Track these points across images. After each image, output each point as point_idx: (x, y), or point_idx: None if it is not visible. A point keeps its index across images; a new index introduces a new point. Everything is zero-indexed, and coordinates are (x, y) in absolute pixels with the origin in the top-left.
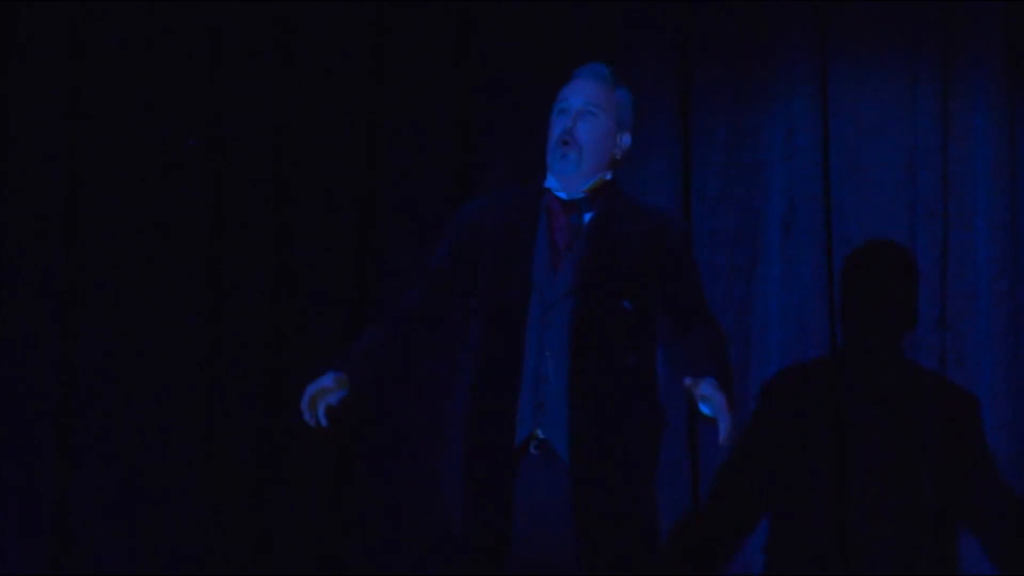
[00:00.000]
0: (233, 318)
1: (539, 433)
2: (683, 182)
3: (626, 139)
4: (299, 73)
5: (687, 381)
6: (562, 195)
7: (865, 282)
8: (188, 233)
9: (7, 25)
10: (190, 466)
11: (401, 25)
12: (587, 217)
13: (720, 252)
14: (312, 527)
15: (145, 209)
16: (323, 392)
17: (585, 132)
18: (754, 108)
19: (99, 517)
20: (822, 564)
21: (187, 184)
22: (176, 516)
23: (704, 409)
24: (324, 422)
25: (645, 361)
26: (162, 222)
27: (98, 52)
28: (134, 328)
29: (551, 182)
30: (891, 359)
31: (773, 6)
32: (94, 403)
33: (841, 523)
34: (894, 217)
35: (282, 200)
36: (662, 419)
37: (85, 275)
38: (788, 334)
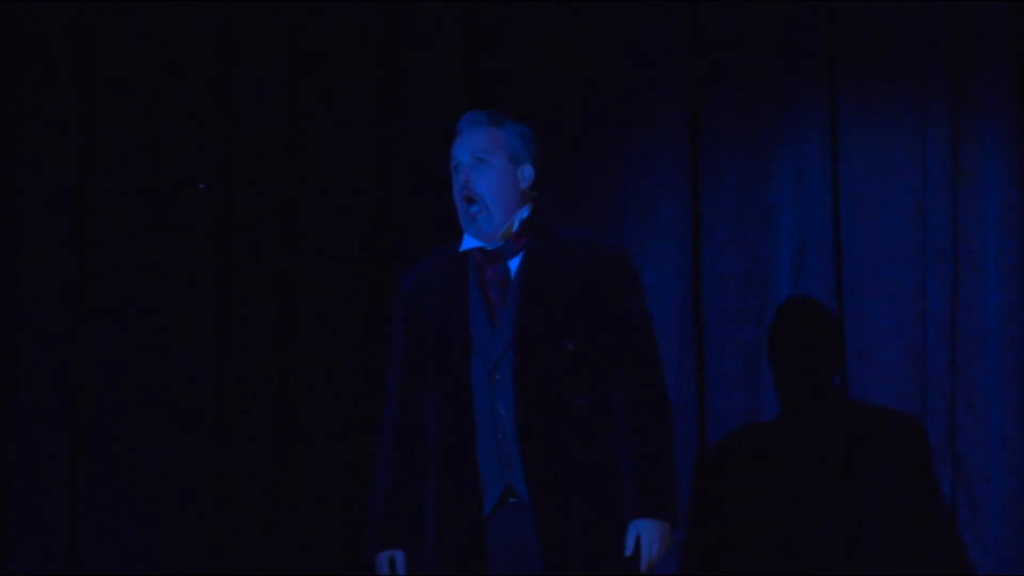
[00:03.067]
0: (242, 332)
1: (513, 487)
2: (692, 225)
3: (528, 171)
4: (309, 96)
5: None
6: (486, 246)
7: (873, 325)
8: (195, 251)
9: (19, 53)
10: (200, 475)
11: (411, 56)
12: (514, 264)
13: (729, 295)
14: (323, 536)
15: (153, 223)
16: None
17: (481, 182)
18: (764, 151)
19: (108, 525)
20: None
21: (195, 213)
22: (185, 526)
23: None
24: None
25: (598, 399)
26: (171, 237)
27: (109, 72)
28: (143, 336)
29: (469, 241)
30: (901, 403)
31: (782, 50)
32: (103, 411)
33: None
34: (904, 260)
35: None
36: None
37: (94, 284)
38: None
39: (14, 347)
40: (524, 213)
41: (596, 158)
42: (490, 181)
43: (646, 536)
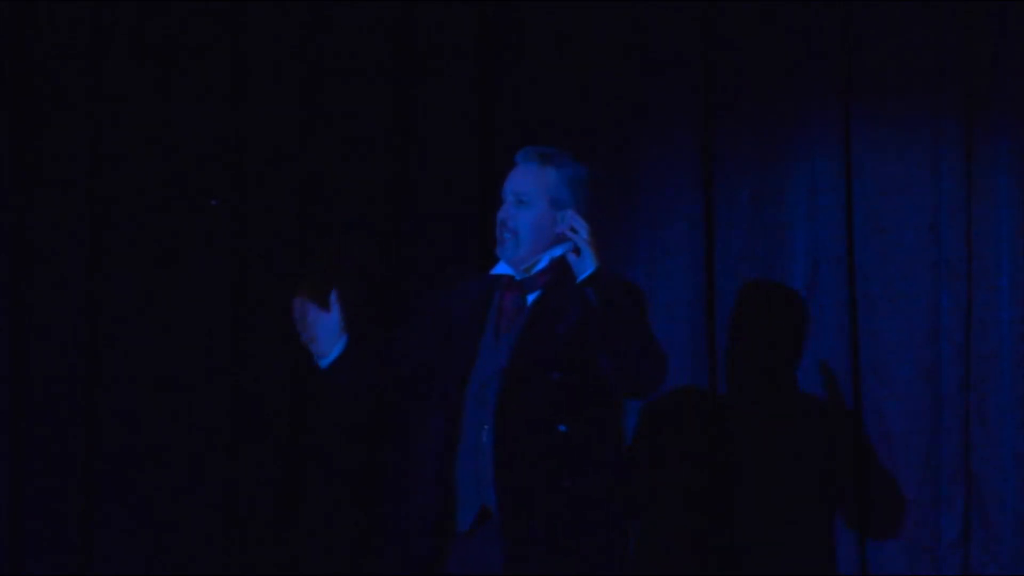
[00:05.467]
0: (257, 333)
1: (488, 507)
2: (706, 242)
3: (567, 215)
4: (324, 119)
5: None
6: (514, 275)
7: (887, 343)
8: (211, 260)
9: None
10: (213, 478)
11: (423, 77)
12: (531, 297)
13: None
14: (336, 542)
15: (168, 234)
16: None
17: (518, 220)
18: (777, 168)
19: (121, 532)
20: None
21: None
22: (198, 531)
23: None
24: None
25: (581, 427)
26: (186, 244)
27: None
28: (159, 342)
29: (501, 266)
30: (914, 420)
31: (796, 68)
32: (119, 416)
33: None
34: (917, 277)
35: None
36: (605, 482)
37: (111, 291)
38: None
39: (29, 354)
40: (556, 251)
41: (610, 175)
42: (526, 222)
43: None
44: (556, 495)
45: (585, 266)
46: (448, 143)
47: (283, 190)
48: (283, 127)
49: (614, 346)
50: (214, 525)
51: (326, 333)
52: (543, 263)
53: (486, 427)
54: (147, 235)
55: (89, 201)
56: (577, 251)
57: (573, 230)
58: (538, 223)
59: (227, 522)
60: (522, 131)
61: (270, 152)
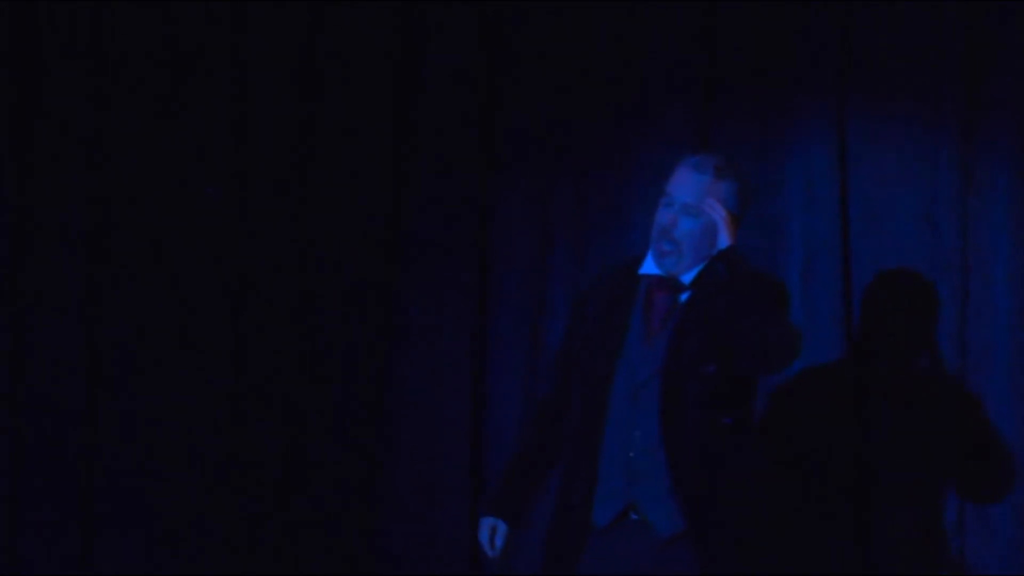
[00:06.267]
0: (256, 334)
1: (637, 504)
2: None
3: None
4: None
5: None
6: (664, 274)
7: (885, 334)
8: (211, 261)
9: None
10: (212, 478)
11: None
12: (684, 296)
13: None
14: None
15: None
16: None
17: (685, 231)
18: (773, 159)
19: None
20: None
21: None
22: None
23: None
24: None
25: (742, 415)
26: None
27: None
28: (158, 339)
29: (650, 266)
30: (911, 407)
31: (792, 58)
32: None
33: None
34: (913, 268)
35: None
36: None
37: (110, 285)
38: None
39: (28, 347)
40: (712, 252)
41: (607, 165)
42: (693, 232)
43: None
44: (736, 488)
45: (719, 241)
46: (447, 137)
47: (281, 189)
48: (282, 126)
49: (744, 321)
50: (215, 525)
51: None
52: (697, 268)
53: (639, 427)
54: (146, 234)
55: (89, 200)
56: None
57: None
58: (704, 235)
59: (227, 523)
60: (521, 124)
61: (269, 151)
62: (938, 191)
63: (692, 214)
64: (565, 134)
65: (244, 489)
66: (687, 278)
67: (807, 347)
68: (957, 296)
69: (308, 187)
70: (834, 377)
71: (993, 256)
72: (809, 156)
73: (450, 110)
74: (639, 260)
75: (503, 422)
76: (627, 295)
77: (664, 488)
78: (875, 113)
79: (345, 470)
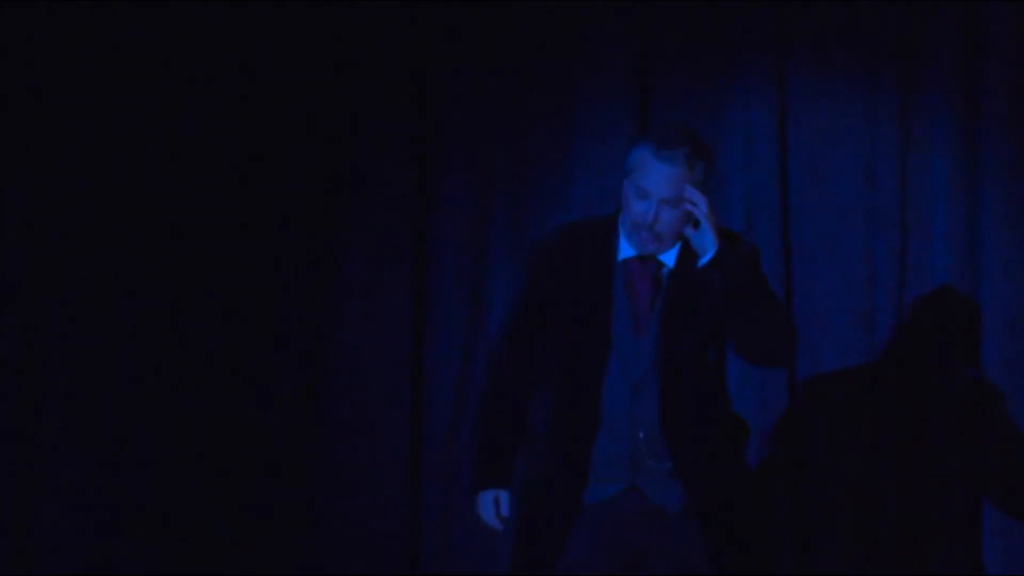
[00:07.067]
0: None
1: (641, 489)
2: None
3: (687, 190)
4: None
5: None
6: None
7: (822, 291)
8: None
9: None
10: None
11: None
12: (665, 271)
13: None
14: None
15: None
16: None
17: (666, 223)
18: (713, 117)
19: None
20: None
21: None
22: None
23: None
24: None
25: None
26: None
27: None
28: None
29: (627, 250)
30: (848, 366)
31: (732, 17)
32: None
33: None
34: (852, 226)
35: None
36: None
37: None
38: None
39: None
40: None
41: (546, 125)
42: (673, 222)
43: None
44: (739, 476)
45: (705, 244)
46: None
47: (211, 180)
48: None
49: (742, 324)
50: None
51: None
52: (677, 248)
53: (643, 418)
54: (84, 228)
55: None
56: (695, 224)
57: (692, 203)
58: (681, 218)
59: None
60: (458, 82)
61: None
62: (877, 149)
63: (671, 205)
64: (501, 96)
65: (178, 485)
66: (667, 258)
67: None
68: (896, 255)
69: (238, 171)
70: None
71: (931, 214)
72: (748, 115)
73: (383, 85)
74: (605, 229)
75: (440, 421)
76: (603, 277)
77: (665, 471)
78: (814, 71)
79: (280, 464)
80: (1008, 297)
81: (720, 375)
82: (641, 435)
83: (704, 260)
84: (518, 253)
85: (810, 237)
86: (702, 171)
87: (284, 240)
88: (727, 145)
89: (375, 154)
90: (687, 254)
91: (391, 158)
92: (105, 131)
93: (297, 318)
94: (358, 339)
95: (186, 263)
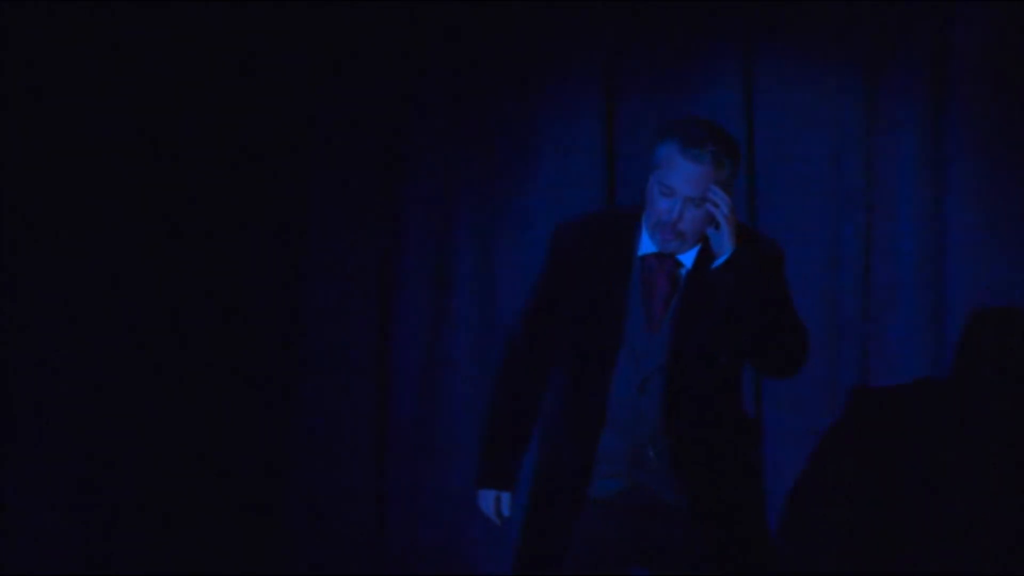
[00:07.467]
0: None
1: (645, 486)
2: (607, 173)
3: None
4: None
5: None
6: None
7: (788, 272)
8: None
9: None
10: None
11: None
12: (684, 271)
13: None
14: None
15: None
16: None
17: (689, 222)
18: (679, 98)
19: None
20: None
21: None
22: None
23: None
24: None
25: (735, 382)
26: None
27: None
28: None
29: (647, 246)
30: (814, 349)
31: None
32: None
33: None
34: (818, 207)
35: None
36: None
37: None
38: None
39: None
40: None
41: (512, 103)
42: (697, 221)
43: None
44: (742, 478)
45: (723, 245)
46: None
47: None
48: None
49: (751, 331)
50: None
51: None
52: (698, 248)
53: (648, 418)
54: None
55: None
56: (716, 225)
57: (715, 204)
58: (705, 217)
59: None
60: (428, 69)
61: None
62: (843, 131)
63: (695, 204)
64: (467, 73)
65: (148, 496)
66: (687, 258)
67: None
68: (862, 236)
69: (210, 181)
70: None
71: (898, 195)
72: (715, 97)
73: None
74: (629, 223)
75: (406, 403)
76: (623, 273)
77: (666, 468)
78: (781, 53)
79: (249, 476)
80: (973, 279)
81: (732, 377)
82: (645, 433)
83: (718, 262)
84: (483, 238)
85: (776, 219)
86: (729, 168)
87: (251, 228)
88: None
89: (343, 139)
90: (706, 255)
91: (359, 142)
92: (105, 131)
93: (264, 304)
94: (325, 322)
95: (158, 254)
